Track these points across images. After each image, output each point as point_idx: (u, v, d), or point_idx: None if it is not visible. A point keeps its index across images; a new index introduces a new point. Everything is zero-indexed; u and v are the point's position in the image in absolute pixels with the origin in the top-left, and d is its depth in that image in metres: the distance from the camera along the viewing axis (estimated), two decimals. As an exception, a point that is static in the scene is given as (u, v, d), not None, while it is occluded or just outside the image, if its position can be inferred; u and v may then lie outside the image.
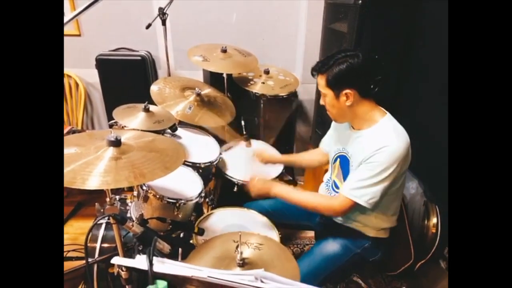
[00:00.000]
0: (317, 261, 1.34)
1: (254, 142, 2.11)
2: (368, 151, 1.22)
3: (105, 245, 1.47)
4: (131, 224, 0.97)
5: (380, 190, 1.21)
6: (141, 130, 1.44)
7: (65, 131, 2.41)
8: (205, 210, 1.91)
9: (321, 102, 1.34)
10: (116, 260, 0.73)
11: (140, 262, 0.65)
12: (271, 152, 1.77)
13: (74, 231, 2.31)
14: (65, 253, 1.88)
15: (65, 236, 2.25)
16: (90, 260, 1.36)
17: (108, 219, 1.00)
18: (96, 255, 1.46)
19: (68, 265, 1.66)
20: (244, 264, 1.04)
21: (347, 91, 1.23)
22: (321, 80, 1.27)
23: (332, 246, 1.38)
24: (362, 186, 1.22)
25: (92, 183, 0.86)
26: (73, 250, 1.94)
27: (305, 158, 1.73)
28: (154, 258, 0.65)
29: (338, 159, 1.44)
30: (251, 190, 1.41)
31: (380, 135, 1.24)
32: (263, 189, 1.39)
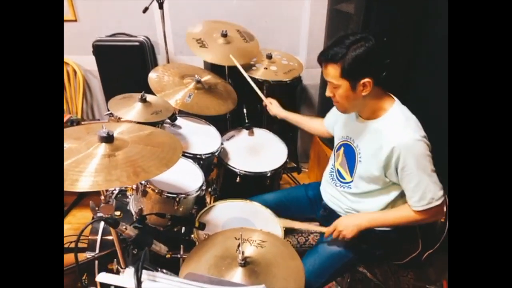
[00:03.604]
0: (322, 259, 1.30)
1: (257, 130, 2.05)
2: (386, 150, 1.15)
3: (108, 237, 1.44)
4: (124, 227, 0.93)
5: (436, 178, 1.16)
6: (138, 123, 1.38)
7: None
8: (208, 200, 1.87)
9: (328, 93, 1.22)
10: (101, 278, 0.69)
11: (127, 279, 0.60)
12: (277, 108, 1.77)
13: (77, 221, 2.30)
14: (67, 244, 1.87)
15: (67, 226, 2.25)
16: (88, 256, 1.33)
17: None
18: (97, 249, 1.44)
19: (71, 257, 1.66)
20: (246, 263, 1.00)
21: (366, 80, 1.12)
22: (334, 70, 1.14)
23: (337, 244, 1.33)
24: (423, 191, 1.15)
25: (82, 184, 0.81)
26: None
27: (310, 124, 1.71)
28: (144, 272, 0.60)
29: (342, 147, 1.38)
30: (341, 237, 1.27)
31: (394, 129, 1.16)
32: (353, 230, 1.26)
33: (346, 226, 1.27)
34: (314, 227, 1.42)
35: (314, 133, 1.72)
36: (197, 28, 2.02)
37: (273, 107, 1.77)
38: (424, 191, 1.15)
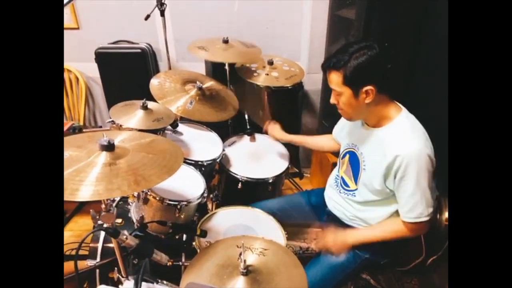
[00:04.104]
0: (325, 270, 1.29)
1: (258, 136, 2.05)
2: (389, 158, 1.14)
3: (109, 245, 1.43)
4: (124, 237, 0.92)
5: (430, 195, 1.15)
6: (139, 130, 1.38)
7: (65, 128, 2.37)
8: (209, 206, 1.86)
9: (333, 101, 1.22)
10: None
11: (127, 292, 0.60)
12: (280, 132, 1.72)
13: (79, 228, 2.29)
14: (68, 252, 1.86)
15: (69, 233, 2.24)
16: (90, 264, 1.33)
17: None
18: (98, 257, 1.43)
19: (71, 264, 1.64)
20: (248, 272, 0.99)
21: (368, 87, 1.11)
22: (336, 77, 1.14)
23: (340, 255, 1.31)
24: (414, 204, 1.15)
25: (83, 193, 0.80)
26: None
27: (317, 140, 1.68)
28: (144, 284, 0.60)
29: (348, 155, 1.37)
30: (328, 251, 1.29)
31: (400, 138, 1.15)
32: (340, 247, 1.28)
33: (334, 241, 1.28)
34: (305, 244, 1.42)
35: (323, 149, 1.68)
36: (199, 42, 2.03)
37: (276, 132, 1.72)
38: (415, 204, 1.15)
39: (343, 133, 1.44)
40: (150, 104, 1.60)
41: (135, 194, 1.40)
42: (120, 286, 0.89)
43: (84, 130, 2.18)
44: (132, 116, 1.52)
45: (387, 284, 1.90)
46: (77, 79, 2.55)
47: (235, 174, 1.74)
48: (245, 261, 0.97)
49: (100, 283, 1.37)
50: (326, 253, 1.34)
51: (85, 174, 0.86)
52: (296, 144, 1.73)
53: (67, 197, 0.78)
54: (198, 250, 1.26)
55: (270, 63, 2.20)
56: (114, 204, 1.44)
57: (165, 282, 0.83)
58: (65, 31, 2.42)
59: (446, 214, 1.65)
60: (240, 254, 0.98)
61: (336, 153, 1.59)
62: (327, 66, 1.17)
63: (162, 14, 2.02)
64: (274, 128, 1.74)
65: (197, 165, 1.62)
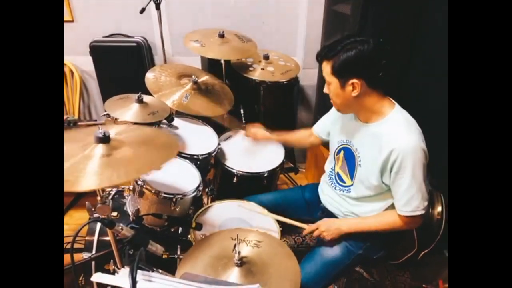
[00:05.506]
0: (318, 267, 1.30)
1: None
2: (385, 153, 1.15)
3: (105, 238, 1.44)
4: (120, 227, 0.93)
5: (425, 189, 1.17)
6: (134, 123, 1.38)
7: (60, 121, 2.36)
8: (205, 200, 1.88)
9: (325, 90, 1.25)
10: (96, 278, 0.69)
11: (122, 279, 0.61)
12: (263, 132, 1.73)
13: (74, 222, 2.29)
14: (64, 245, 1.86)
15: (65, 227, 2.24)
16: (85, 257, 1.33)
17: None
18: (94, 249, 1.44)
19: (67, 257, 1.65)
20: (242, 263, 1.00)
21: (354, 80, 1.13)
22: (327, 66, 1.17)
23: (333, 250, 1.33)
24: (409, 197, 1.17)
25: (80, 185, 0.81)
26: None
27: (297, 137, 1.69)
28: (139, 272, 0.61)
29: (342, 151, 1.37)
30: (321, 237, 1.32)
31: (395, 133, 1.17)
32: (333, 233, 1.31)
33: (328, 228, 1.31)
34: (297, 223, 1.41)
35: (303, 146, 1.70)
36: (194, 34, 2.02)
37: (260, 133, 1.73)
38: (411, 198, 1.17)
39: (336, 129, 1.43)
40: (146, 98, 1.60)
41: (131, 187, 1.41)
42: (115, 274, 0.90)
43: (79, 124, 2.17)
44: (127, 109, 1.52)
45: (379, 277, 1.94)
46: (72, 72, 2.53)
47: (231, 168, 1.75)
48: (239, 252, 0.99)
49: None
50: (320, 243, 1.35)
51: (82, 166, 0.87)
52: (280, 142, 1.72)
53: (67, 187, 0.78)
54: (193, 243, 1.28)
55: (266, 57, 2.21)
56: (109, 197, 1.44)
57: (160, 270, 0.85)
58: (59, 24, 2.40)
59: (438, 209, 1.68)
60: (235, 245, 1.00)
61: (327, 146, 1.60)
62: (319, 55, 1.21)
63: (158, 7, 2.01)
64: (258, 130, 1.74)
65: (192, 159, 1.62)
